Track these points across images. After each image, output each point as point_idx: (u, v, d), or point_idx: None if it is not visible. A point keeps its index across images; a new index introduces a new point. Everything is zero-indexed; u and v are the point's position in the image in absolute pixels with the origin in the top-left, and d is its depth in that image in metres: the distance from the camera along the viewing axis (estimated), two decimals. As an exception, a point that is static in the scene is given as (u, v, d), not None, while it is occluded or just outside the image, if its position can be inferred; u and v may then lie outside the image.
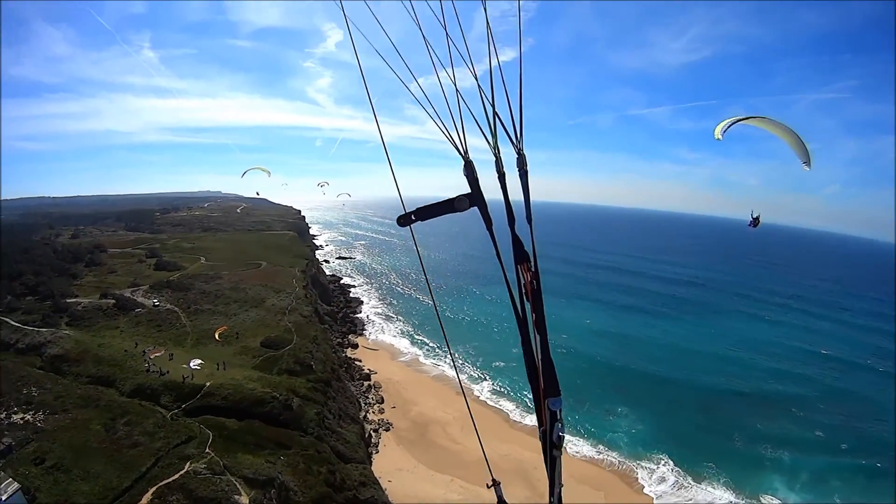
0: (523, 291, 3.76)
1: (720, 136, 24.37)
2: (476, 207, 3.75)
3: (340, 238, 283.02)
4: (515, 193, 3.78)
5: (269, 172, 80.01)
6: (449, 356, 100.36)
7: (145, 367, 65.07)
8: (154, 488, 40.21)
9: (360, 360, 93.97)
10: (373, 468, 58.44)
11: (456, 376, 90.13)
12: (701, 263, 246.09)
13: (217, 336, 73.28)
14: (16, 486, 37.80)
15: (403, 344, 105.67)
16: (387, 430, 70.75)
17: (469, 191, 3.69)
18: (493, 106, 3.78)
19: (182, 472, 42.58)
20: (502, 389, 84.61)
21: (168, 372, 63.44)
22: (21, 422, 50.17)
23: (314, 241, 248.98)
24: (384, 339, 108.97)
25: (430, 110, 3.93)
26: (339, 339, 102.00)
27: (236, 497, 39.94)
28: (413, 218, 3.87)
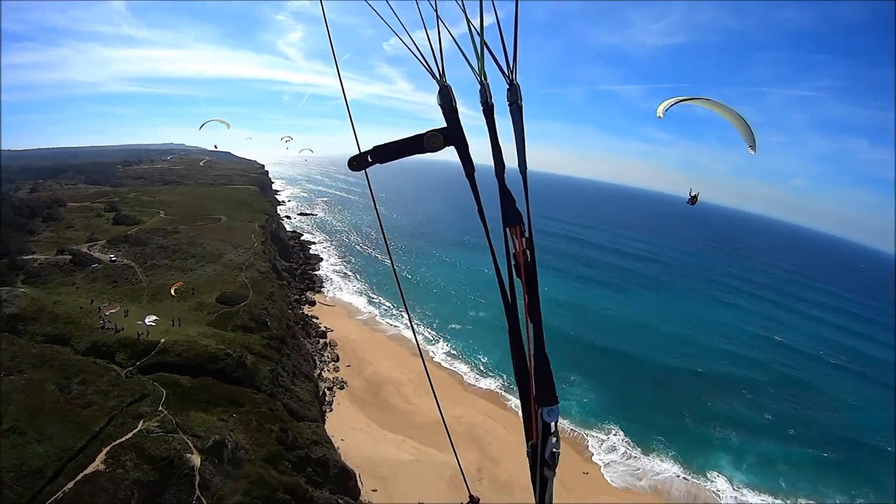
0: (513, 263, 2.89)
1: (661, 115, 24.11)
2: (453, 147, 2.94)
3: (303, 194, 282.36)
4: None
5: (227, 124, 78.36)
6: (406, 317, 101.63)
7: (100, 324, 65.86)
8: (108, 448, 42.16)
9: (317, 318, 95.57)
10: (326, 427, 60.98)
11: (413, 338, 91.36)
12: (664, 242, 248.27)
13: (173, 292, 73.97)
14: None
15: (361, 302, 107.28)
16: (341, 388, 73.08)
17: (444, 125, 2.91)
18: (480, 18, 2.88)
19: (135, 431, 44.53)
20: (456, 352, 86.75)
21: (123, 329, 64.44)
22: (-26, 384, 50.72)
23: (276, 196, 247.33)
24: (342, 297, 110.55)
25: (394, 21, 3.28)
26: (296, 296, 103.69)
27: (188, 456, 42.08)
28: (370, 160, 3.06)
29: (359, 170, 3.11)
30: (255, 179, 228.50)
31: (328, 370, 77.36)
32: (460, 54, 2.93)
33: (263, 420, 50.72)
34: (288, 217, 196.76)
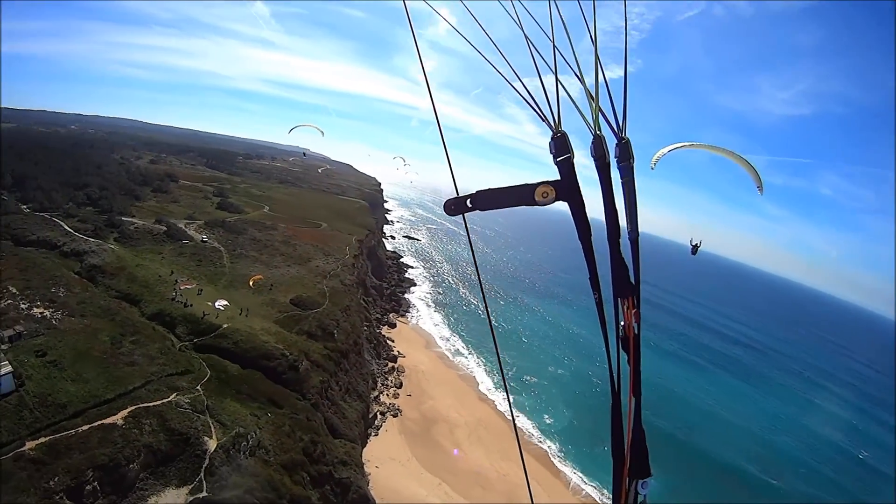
0: (621, 336, 2.99)
1: (653, 166, 25.60)
2: (566, 203, 2.86)
3: (412, 218, 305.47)
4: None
5: (322, 132, 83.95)
6: (481, 360, 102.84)
7: (172, 295, 71.24)
8: (133, 407, 44.37)
9: (393, 341, 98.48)
10: (365, 450, 61.33)
11: (504, 387, 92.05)
12: (765, 327, 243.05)
13: (251, 283, 78.40)
14: (9, 368, 43.46)
15: (442, 335, 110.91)
16: (395, 415, 73.98)
17: (557, 178, 2.84)
18: (596, 66, 3.04)
19: (164, 401, 46.70)
20: (524, 406, 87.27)
21: (192, 305, 69.16)
22: (39, 316, 57.15)
23: (386, 215, 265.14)
24: (425, 326, 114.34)
25: (509, 72, 3.32)
26: (378, 315, 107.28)
27: (205, 438, 43.23)
28: (469, 205, 3.00)
29: (456, 215, 3.08)
30: (368, 195, 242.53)
31: (387, 395, 78.89)
32: (571, 104, 2.95)
33: (297, 427, 50.96)
34: (392, 237, 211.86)
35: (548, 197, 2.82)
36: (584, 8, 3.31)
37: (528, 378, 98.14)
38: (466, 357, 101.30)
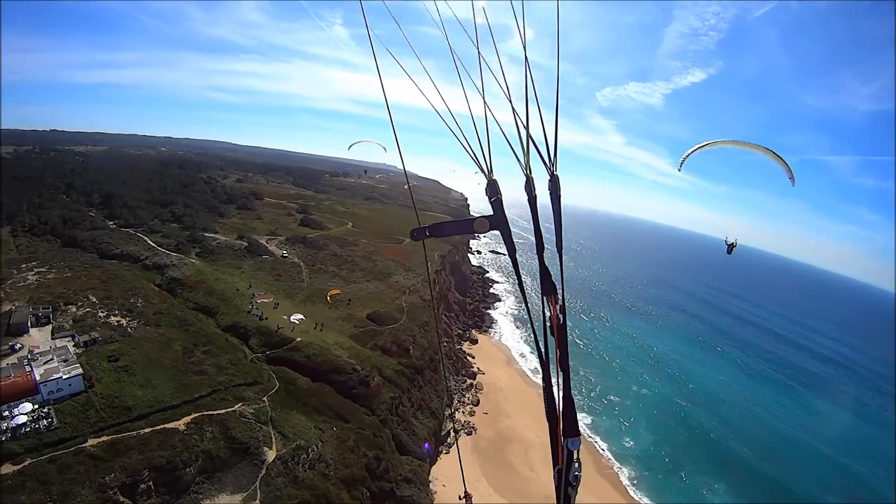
0: (548, 325, 3.89)
1: (680, 169, 27.28)
2: (498, 231, 3.94)
3: (496, 233, 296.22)
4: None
5: (384, 147, 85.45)
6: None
7: (249, 308, 74.41)
8: (197, 414, 46.28)
9: (473, 357, 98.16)
10: (433, 467, 60.89)
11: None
12: (856, 342, 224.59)
13: (328, 298, 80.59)
14: (79, 370, 47.11)
15: (524, 352, 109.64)
16: (469, 433, 73.16)
17: (491, 212, 3.91)
18: (527, 118, 3.94)
19: (228, 410, 48.39)
20: (602, 427, 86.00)
21: (266, 318, 71.84)
22: (115, 324, 61.51)
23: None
24: (507, 342, 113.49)
25: (452, 124, 4.26)
26: (459, 331, 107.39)
27: (265, 448, 44.24)
28: (427, 233, 4.18)
29: (418, 240, 4.26)
30: (454, 210, 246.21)
31: (463, 412, 78.52)
32: (509, 149, 3.89)
33: (361, 443, 51.16)
34: (479, 252, 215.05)
35: (484, 227, 3.89)
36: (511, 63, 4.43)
37: (612, 398, 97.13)
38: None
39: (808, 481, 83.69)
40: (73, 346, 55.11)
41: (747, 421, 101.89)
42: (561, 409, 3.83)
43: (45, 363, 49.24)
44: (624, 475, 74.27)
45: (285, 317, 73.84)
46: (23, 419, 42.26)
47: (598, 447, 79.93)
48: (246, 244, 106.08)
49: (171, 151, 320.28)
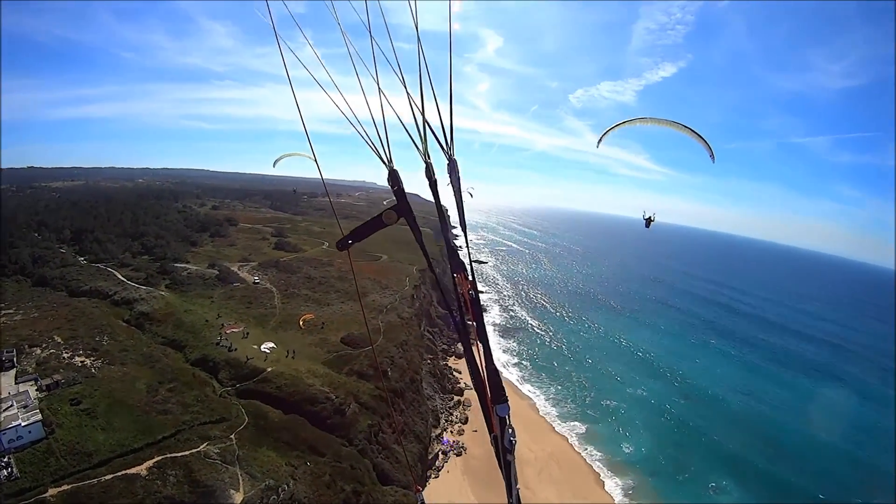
0: (461, 301, 4.13)
1: (598, 146, 29.26)
2: (404, 219, 4.20)
3: (480, 242, 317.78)
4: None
5: (313, 158, 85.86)
6: (553, 388, 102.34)
7: (217, 339, 73.92)
8: (160, 457, 45.87)
9: (460, 372, 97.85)
10: (423, 493, 59.28)
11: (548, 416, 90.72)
12: (851, 320, 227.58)
13: (301, 323, 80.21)
14: (38, 417, 46.92)
15: (512, 362, 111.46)
16: (458, 454, 72.33)
17: (395, 203, 4.11)
18: (422, 106, 4.04)
19: (193, 451, 47.92)
20: (598, 434, 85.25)
21: (236, 349, 71.38)
22: (79, 364, 61.00)
23: (454, 241, 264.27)
24: (496, 354, 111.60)
25: (350, 115, 4.39)
26: (444, 346, 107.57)
27: (231, 492, 43.86)
28: (350, 242, 4.42)
29: (343, 249, 4.46)
30: (433, 223, 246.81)
31: (451, 431, 77.65)
32: (408, 137, 4.04)
33: (339, 476, 50.76)
34: None
35: (391, 218, 4.16)
36: (409, 55, 4.46)
37: (608, 402, 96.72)
38: (539, 386, 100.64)
39: (816, 475, 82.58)
40: (36, 389, 54.42)
41: (749, 415, 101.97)
42: (486, 378, 4.05)
43: (5, 410, 48.56)
44: (625, 485, 73.34)
45: (256, 346, 73.50)
46: (-19, 471, 41.74)
47: (595, 457, 79.13)
48: (217, 272, 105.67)
49: (149, 182, 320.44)
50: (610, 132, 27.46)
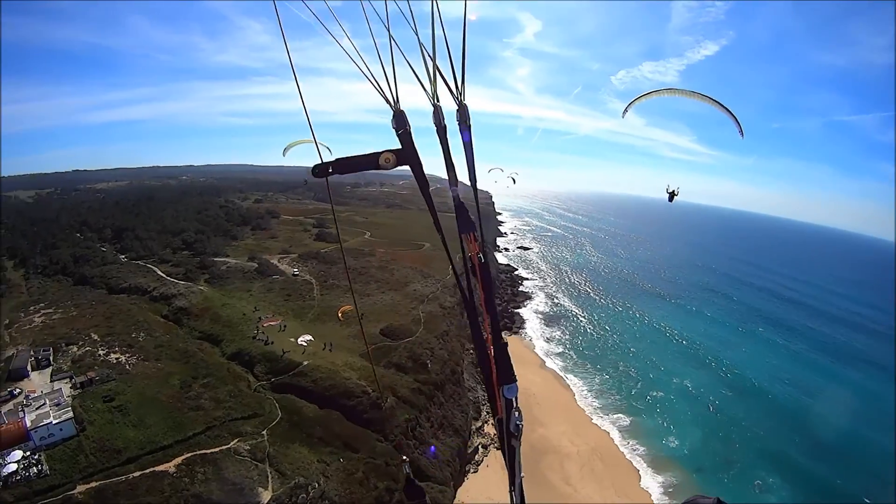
0: (468, 265, 3.81)
1: (624, 116, 28.96)
2: (409, 166, 3.76)
3: (525, 227, 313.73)
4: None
5: (329, 148, 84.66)
6: (598, 378, 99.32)
7: (254, 333, 73.57)
8: (189, 454, 45.41)
9: None
10: (461, 489, 58.68)
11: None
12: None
13: (340, 315, 79.10)
14: (70, 415, 47.26)
15: (557, 352, 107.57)
16: (498, 448, 69.44)
17: (399, 146, 3.70)
18: (433, 43, 3.67)
19: (223, 448, 47.31)
20: (643, 427, 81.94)
21: (272, 343, 70.85)
22: (114, 361, 61.35)
23: (499, 227, 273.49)
24: (538, 343, 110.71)
25: (352, 51, 3.89)
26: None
27: (259, 489, 42.94)
28: (331, 170, 3.84)
29: (321, 177, 3.90)
30: (480, 210, 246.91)
31: (492, 424, 75.06)
32: (415, 79, 3.68)
33: (372, 473, 49.40)
34: (506, 249, 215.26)
35: (390, 162, 3.71)
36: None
37: (655, 393, 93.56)
38: (582, 377, 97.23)
39: (863, 475, 77.32)
40: (70, 387, 55.06)
41: (796, 408, 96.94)
42: (493, 356, 3.77)
43: (37, 408, 49.06)
44: (668, 483, 70.10)
45: (293, 339, 72.81)
46: (13, 467, 42.01)
47: (639, 452, 75.91)
48: (256, 265, 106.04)
49: (193, 179, 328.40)
50: (635, 103, 27.03)
